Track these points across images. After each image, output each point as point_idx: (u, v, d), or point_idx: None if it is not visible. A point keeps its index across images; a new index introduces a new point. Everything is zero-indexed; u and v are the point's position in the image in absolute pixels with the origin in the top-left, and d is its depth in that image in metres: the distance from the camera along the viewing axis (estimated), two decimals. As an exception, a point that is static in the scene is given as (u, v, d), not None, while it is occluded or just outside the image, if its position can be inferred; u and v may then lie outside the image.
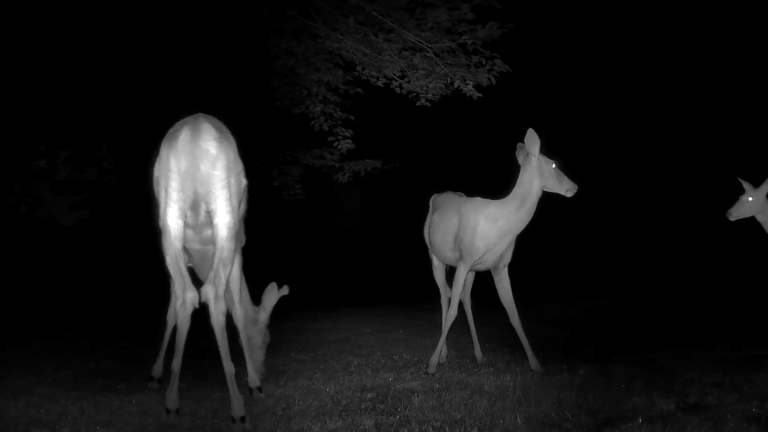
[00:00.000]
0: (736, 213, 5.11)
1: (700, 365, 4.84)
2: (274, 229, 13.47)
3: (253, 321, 4.57)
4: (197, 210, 3.50)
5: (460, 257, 4.95)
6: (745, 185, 5.12)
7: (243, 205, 4.01)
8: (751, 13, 11.40)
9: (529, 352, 4.94)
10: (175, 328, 3.77)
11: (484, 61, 6.62)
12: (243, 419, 3.49)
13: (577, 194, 4.77)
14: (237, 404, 3.52)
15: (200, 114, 3.61)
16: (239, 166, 3.66)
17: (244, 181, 3.80)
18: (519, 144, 4.82)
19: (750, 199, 5.07)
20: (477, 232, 4.83)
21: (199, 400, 4.04)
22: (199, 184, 3.44)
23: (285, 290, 4.75)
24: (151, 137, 3.70)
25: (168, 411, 3.63)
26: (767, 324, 6.54)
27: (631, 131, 13.71)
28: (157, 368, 4.48)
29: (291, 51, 7.18)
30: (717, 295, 9.39)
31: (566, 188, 4.73)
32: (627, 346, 6.03)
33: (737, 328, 6.78)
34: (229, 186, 3.50)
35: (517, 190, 4.78)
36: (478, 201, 5.01)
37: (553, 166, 4.72)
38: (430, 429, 3.42)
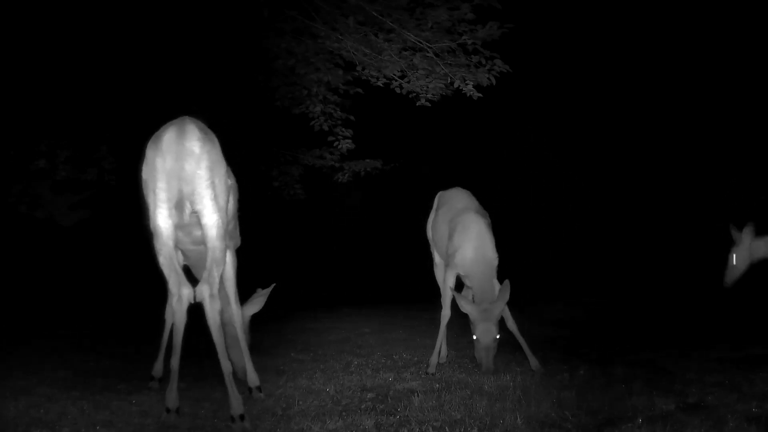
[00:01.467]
0: (731, 278, 5.43)
1: (700, 365, 4.84)
2: (274, 229, 13.47)
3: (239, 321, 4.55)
4: (182, 209, 3.54)
5: (447, 260, 5.02)
6: (734, 234, 5.39)
7: (233, 205, 4.04)
8: (751, 13, 11.40)
9: (529, 353, 4.95)
10: (172, 326, 3.79)
11: (484, 61, 6.61)
12: (242, 417, 3.49)
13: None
14: (236, 403, 3.53)
15: (185, 116, 3.68)
16: (224, 166, 3.71)
17: (230, 181, 3.84)
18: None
19: (734, 264, 5.42)
20: (458, 252, 4.92)
21: (199, 400, 4.04)
22: (184, 183, 3.49)
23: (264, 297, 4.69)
24: (150, 137, 3.72)
25: (168, 410, 3.63)
26: (767, 324, 6.54)
27: (631, 132, 13.70)
28: (158, 367, 4.48)
29: (291, 51, 7.18)
30: (717, 295, 9.38)
31: (482, 365, 4.73)
32: (627, 346, 6.03)
33: (737, 328, 6.78)
34: (213, 186, 3.55)
35: (471, 310, 4.80)
36: (474, 228, 4.97)
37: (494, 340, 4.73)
38: (430, 429, 3.42)
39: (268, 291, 4.65)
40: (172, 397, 3.64)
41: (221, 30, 7.93)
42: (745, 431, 3.30)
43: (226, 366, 3.61)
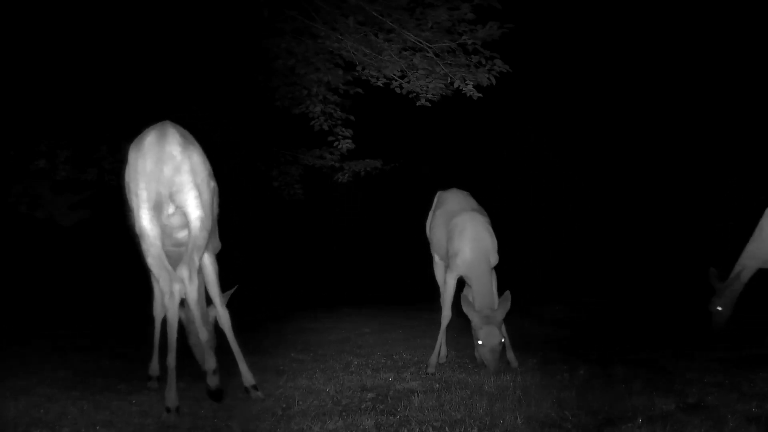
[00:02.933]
0: (719, 323, 5.89)
1: (700, 365, 4.84)
2: (274, 229, 13.47)
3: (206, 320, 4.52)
4: (160, 210, 3.64)
5: (448, 262, 5.04)
6: (714, 281, 5.93)
7: (215, 208, 4.06)
8: (751, 13, 11.40)
9: (508, 347, 5.05)
10: (164, 324, 3.84)
11: (484, 61, 6.61)
12: (255, 387, 3.76)
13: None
14: (247, 375, 3.73)
15: (166, 120, 3.78)
16: (206, 169, 3.82)
17: (212, 183, 3.93)
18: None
19: (719, 309, 5.92)
20: (458, 256, 4.91)
21: (199, 400, 4.04)
22: (162, 186, 3.60)
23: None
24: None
25: (168, 410, 3.63)
26: (767, 324, 6.53)
27: (631, 132, 13.71)
28: (154, 366, 4.47)
29: (291, 51, 7.18)
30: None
31: (488, 367, 4.74)
32: (627, 346, 6.03)
33: (737, 328, 6.77)
34: (197, 187, 3.69)
35: (473, 316, 4.80)
36: (470, 228, 4.95)
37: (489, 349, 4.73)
38: (430, 429, 3.42)
39: (229, 293, 4.58)
40: (171, 397, 3.65)
41: (221, 30, 7.94)
42: (745, 431, 3.31)
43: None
